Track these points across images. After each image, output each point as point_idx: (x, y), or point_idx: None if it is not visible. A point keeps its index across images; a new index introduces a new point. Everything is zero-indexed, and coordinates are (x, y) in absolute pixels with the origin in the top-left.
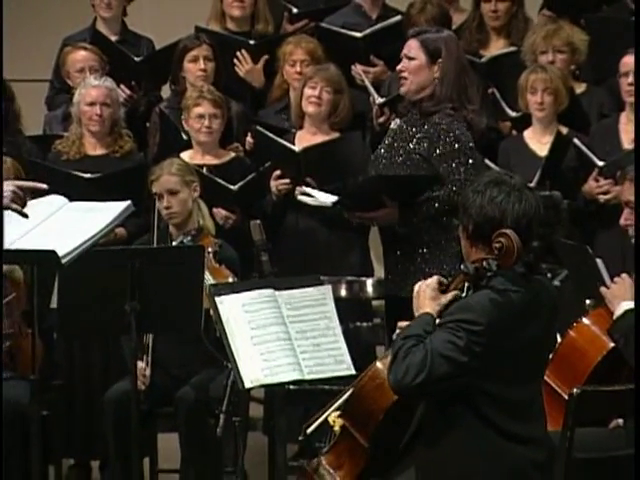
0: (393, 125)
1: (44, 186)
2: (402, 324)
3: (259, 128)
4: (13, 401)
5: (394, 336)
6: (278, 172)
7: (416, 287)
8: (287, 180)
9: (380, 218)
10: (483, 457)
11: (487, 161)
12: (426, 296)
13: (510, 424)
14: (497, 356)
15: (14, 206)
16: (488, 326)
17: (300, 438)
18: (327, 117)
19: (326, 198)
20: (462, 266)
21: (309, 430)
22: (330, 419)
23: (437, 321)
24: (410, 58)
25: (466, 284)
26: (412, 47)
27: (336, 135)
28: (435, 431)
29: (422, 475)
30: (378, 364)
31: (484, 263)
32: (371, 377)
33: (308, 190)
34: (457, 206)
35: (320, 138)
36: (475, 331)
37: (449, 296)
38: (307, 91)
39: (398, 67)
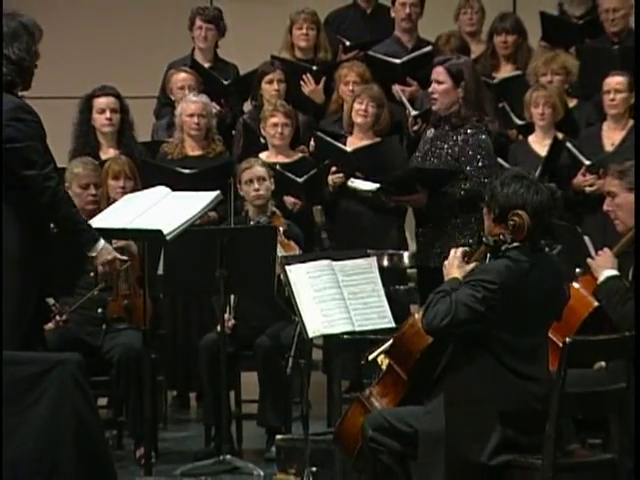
0: (429, 134)
1: (125, 258)
2: None
3: (319, 134)
4: (129, 347)
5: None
6: (334, 168)
7: (447, 260)
8: (341, 174)
9: (413, 201)
10: (497, 390)
11: (499, 160)
12: (454, 265)
13: (519, 365)
14: (510, 310)
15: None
16: (501, 285)
17: (362, 362)
18: (372, 126)
19: (371, 185)
20: (483, 239)
21: (371, 357)
22: (379, 359)
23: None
24: (439, 82)
25: (487, 254)
26: (439, 73)
27: (378, 139)
28: (460, 369)
29: (448, 400)
30: (416, 315)
31: (501, 236)
32: (411, 325)
33: (357, 181)
34: (476, 197)
35: (366, 141)
36: (491, 289)
37: (473, 264)
38: (356, 105)
39: (429, 89)
